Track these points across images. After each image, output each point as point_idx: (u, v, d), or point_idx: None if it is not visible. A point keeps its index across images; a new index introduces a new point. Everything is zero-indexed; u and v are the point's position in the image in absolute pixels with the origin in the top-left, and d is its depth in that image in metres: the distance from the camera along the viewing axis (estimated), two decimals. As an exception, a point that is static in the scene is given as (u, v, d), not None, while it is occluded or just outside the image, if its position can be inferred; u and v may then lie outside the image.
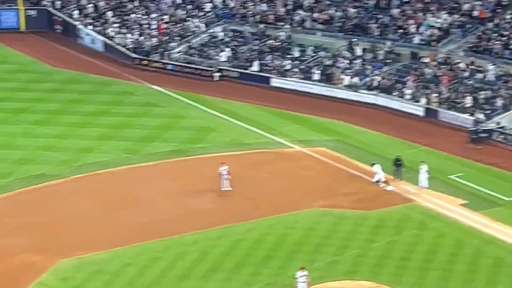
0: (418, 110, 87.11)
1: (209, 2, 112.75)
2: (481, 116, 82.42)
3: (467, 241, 61.38)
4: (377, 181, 70.11)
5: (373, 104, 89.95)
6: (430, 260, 58.62)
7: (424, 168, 70.42)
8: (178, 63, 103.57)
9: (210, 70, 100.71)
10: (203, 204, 68.07)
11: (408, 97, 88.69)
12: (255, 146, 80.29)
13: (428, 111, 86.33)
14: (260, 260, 58.99)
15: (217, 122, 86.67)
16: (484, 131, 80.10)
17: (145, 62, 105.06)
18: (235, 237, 62.43)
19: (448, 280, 55.98)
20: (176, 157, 77.97)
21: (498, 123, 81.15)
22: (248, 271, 57.56)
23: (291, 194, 69.58)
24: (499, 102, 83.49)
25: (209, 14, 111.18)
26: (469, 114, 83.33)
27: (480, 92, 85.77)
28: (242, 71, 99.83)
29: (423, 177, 70.15)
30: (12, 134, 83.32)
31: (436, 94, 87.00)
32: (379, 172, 70.08)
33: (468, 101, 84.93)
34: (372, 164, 70.71)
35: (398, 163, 71.72)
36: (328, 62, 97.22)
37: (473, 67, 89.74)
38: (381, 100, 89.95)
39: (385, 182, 70.01)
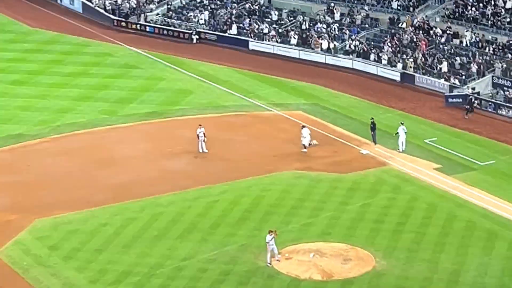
0: (394, 75, 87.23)
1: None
2: (456, 82, 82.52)
3: (440, 205, 61.59)
4: (304, 145, 70.13)
5: (350, 68, 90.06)
6: (403, 223, 58.86)
7: (402, 130, 70.75)
8: (157, 25, 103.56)
9: (189, 33, 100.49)
10: (179, 166, 68.14)
11: (384, 62, 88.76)
12: (232, 108, 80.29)
13: (404, 76, 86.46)
14: (235, 222, 59.16)
15: (195, 84, 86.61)
16: (459, 96, 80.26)
17: (123, 24, 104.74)
18: (211, 198, 62.53)
19: (420, 243, 56.25)
20: (154, 118, 77.95)
21: (473, 89, 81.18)
22: (223, 232, 57.72)
23: (267, 156, 69.64)
24: (474, 68, 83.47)
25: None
26: (444, 79, 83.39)
27: (456, 58, 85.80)
28: (221, 34, 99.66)
29: (402, 139, 70.51)
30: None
31: (413, 60, 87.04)
32: (305, 136, 69.99)
33: (444, 66, 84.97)
34: (302, 127, 70.67)
35: (372, 126, 71.93)
36: (305, 26, 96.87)
37: (449, 32, 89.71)
38: (358, 64, 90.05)
39: (310, 145, 70.21)
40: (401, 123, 71.74)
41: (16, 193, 63.23)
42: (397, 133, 70.85)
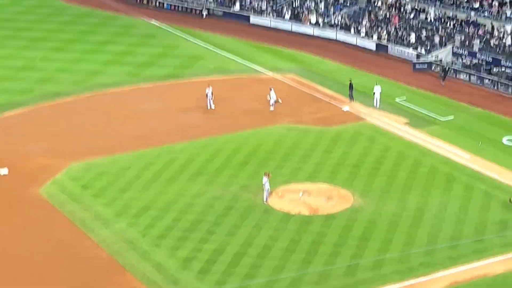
0: (370, 45, 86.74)
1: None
2: (422, 51, 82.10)
3: (408, 153, 61.43)
4: (271, 104, 69.47)
5: (334, 39, 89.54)
6: (377, 168, 58.84)
7: (377, 90, 70.82)
8: (173, 3, 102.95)
9: (199, 9, 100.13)
10: (191, 119, 67.89)
11: (363, 34, 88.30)
12: (235, 72, 79.94)
13: (379, 46, 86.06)
14: (237, 166, 59.08)
15: (204, 51, 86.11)
16: (424, 63, 79.85)
17: (145, 1, 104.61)
18: (217, 146, 62.36)
19: (391, 184, 56.34)
20: (170, 80, 77.58)
21: (436, 57, 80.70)
22: (227, 174, 57.69)
23: (264, 112, 69.31)
24: (436, 40, 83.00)
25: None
26: (412, 49, 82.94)
27: (422, 31, 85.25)
28: (226, 10, 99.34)
29: (377, 97, 70.41)
30: (33, 59, 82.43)
31: (386, 32, 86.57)
32: (272, 97, 69.14)
33: (412, 38, 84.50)
34: (270, 89, 69.79)
35: (350, 86, 71.73)
36: (297, 4, 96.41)
37: (417, 9, 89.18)
38: (340, 36, 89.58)
39: (275, 102, 69.46)
40: (376, 83, 71.98)
41: (54, 141, 63.11)
42: (374, 92, 70.75)
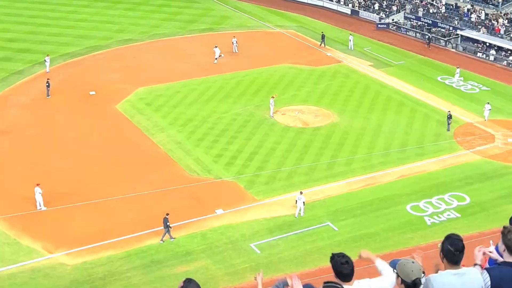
0: (346, 10, 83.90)
1: None
2: (383, 15, 79.57)
3: (372, 86, 59.84)
4: (216, 58, 64.38)
5: (321, 6, 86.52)
6: (350, 95, 57.51)
7: (351, 38, 69.68)
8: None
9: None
10: (221, 60, 65.95)
11: (342, 2, 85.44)
12: (253, 27, 77.62)
13: (352, 11, 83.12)
14: (253, 92, 57.86)
15: (231, 13, 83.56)
16: (384, 24, 77.47)
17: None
18: (239, 78, 60.88)
19: (359, 107, 55.26)
20: (207, 32, 75.45)
21: (393, 19, 78.22)
22: (246, 98, 56.57)
23: (272, 55, 67.38)
24: (394, 8, 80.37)
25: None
26: (376, 14, 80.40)
27: (383, 1, 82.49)
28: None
29: (351, 44, 69.18)
30: (112, 15, 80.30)
31: (357, 1, 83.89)
32: (216, 52, 64.44)
33: (376, 6, 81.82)
34: (215, 47, 64.90)
35: (322, 36, 70.17)
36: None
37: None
38: (326, 3, 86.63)
39: (220, 56, 64.37)
40: (350, 34, 70.71)
41: (127, 72, 61.73)
42: (350, 40, 69.43)
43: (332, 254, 8.44)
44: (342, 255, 8.31)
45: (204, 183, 42.38)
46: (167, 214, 36.56)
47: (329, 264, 8.07)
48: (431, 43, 70.87)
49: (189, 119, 52.01)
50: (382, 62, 65.80)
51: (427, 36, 71.45)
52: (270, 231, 37.61)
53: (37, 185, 39.32)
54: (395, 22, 77.76)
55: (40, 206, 39.18)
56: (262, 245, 36.38)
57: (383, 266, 8.57)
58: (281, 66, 64.26)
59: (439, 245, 8.21)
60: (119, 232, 37.14)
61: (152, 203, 40.13)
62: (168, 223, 36.31)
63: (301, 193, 39.21)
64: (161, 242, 36.26)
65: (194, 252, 35.66)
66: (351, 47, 69.06)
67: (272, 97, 53.01)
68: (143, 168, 44.34)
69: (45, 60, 61.30)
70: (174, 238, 36.57)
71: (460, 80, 60.92)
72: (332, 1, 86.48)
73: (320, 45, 70.09)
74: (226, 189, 41.94)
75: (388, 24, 77.46)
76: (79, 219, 38.36)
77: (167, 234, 36.42)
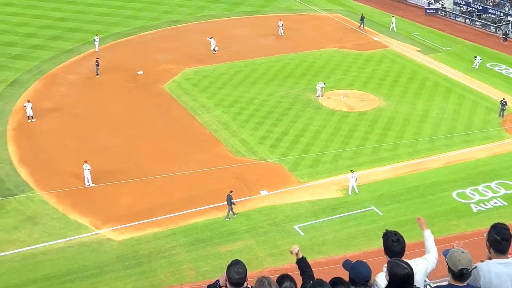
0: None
1: None
2: (432, 1, 78.00)
3: (419, 71, 58.79)
4: (214, 49, 61.56)
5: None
6: (396, 81, 56.61)
7: (394, 20, 69.23)
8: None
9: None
10: (267, 42, 65.75)
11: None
12: (299, 11, 76.96)
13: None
14: (299, 75, 57.42)
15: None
16: (433, 9, 75.96)
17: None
18: (285, 62, 60.44)
19: (406, 92, 54.40)
20: (254, 15, 75.09)
21: (442, 4, 76.64)
22: (291, 81, 56.16)
23: (318, 39, 66.72)
24: (443, -7, 79.00)
25: None
26: (425, -1, 79.22)
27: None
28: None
29: (393, 25, 68.78)
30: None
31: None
32: (212, 42, 61.57)
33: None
34: (211, 37, 62.21)
35: (362, 17, 70.03)
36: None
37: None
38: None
39: (214, 50, 61.40)
40: (393, 16, 70.41)
41: (174, 52, 61.86)
42: (392, 22, 68.91)
43: (386, 230, 8.65)
44: (394, 233, 8.52)
45: (249, 164, 42.33)
46: (231, 192, 36.85)
47: (372, 248, 8.06)
48: (508, 38, 67.02)
49: (235, 100, 51.95)
50: (430, 48, 64.55)
51: (502, 31, 68.63)
52: (314, 214, 37.41)
53: (86, 161, 39.84)
54: (444, 7, 76.16)
55: (88, 182, 39.72)
56: (306, 227, 36.23)
57: (430, 242, 8.78)
58: (327, 50, 63.58)
59: (485, 234, 8.08)
60: (165, 210, 37.42)
61: (197, 182, 40.30)
62: (232, 200, 36.51)
63: (352, 171, 39.29)
64: (227, 219, 36.51)
65: (238, 232, 35.72)
66: (393, 29, 68.60)
67: (324, 82, 52.80)
68: (189, 147, 44.53)
69: (94, 40, 61.89)
70: (237, 214, 36.73)
71: (507, 68, 59.53)
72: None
73: (360, 26, 69.81)
74: (271, 170, 41.83)
75: (437, 9, 75.92)
76: (126, 196, 38.77)
77: (230, 211, 36.63)
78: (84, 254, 33.87)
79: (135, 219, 36.66)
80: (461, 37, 67.82)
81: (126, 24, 69.63)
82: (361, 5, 78.47)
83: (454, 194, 39.57)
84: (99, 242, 34.85)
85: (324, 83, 52.82)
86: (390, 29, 68.47)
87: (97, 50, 61.44)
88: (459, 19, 73.52)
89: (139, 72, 56.86)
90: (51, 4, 75.25)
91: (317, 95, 52.25)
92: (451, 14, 74.75)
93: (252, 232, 35.75)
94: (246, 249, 34.30)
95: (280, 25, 67.54)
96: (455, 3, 76.65)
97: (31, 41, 63.57)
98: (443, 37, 67.94)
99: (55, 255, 33.74)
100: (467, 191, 39.95)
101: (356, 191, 39.08)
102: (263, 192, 39.34)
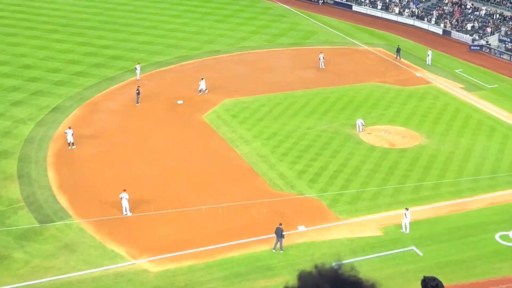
0: (438, 30, 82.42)
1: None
2: (476, 37, 77.66)
3: (462, 109, 58.37)
4: (200, 90, 59.23)
5: (412, 25, 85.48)
6: (439, 118, 56.24)
7: (430, 53, 69.83)
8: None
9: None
10: (308, 75, 66.16)
11: (433, 22, 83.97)
12: (340, 44, 77.43)
13: (444, 31, 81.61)
14: (339, 109, 57.48)
15: (319, 28, 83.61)
16: (478, 45, 75.57)
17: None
18: (325, 95, 60.61)
19: (449, 130, 53.94)
20: (294, 47, 75.74)
21: (487, 41, 76.27)
22: (331, 115, 56.17)
23: (359, 73, 66.98)
24: (488, 29, 78.35)
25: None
26: (469, 35, 78.57)
27: (475, 23, 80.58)
28: (336, 0, 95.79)
29: (429, 59, 69.52)
30: (202, 26, 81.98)
31: (449, 22, 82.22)
32: (201, 84, 59.26)
33: (469, 27, 79.97)
34: (201, 79, 59.55)
35: (398, 49, 71.18)
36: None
37: (475, 7, 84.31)
38: (417, 23, 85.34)
39: (201, 91, 59.01)
40: (429, 49, 71.36)
41: (215, 83, 62.41)
42: (428, 54, 69.77)
43: (424, 277, 8.74)
44: (433, 279, 8.57)
45: (287, 199, 42.34)
46: (280, 224, 37.02)
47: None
48: None
49: (274, 133, 52.17)
50: (474, 85, 64.14)
51: None
52: (353, 252, 37.13)
53: (124, 190, 40.33)
54: (489, 44, 75.74)
55: (126, 211, 40.16)
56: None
57: None
58: (369, 84, 63.63)
59: None
60: (201, 242, 37.55)
61: (234, 215, 40.42)
62: (283, 233, 36.56)
63: (407, 209, 39.26)
64: (274, 251, 36.63)
65: (275, 267, 35.61)
66: (429, 62, 69.09)
67: (363, 119, 52.90)
68: (227, 179, 44.76)
69: (136, 68, 63.05)
70: (283, 251, 36.68)
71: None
72: (424, 20, 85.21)
73: (396, 58, 70.49)
74: (309, 206, 41.75)
75: (481, 46, 75.57)
76: (163, 227, 39.05)
77: (278, 243, 36.60)
78: (120, 284, 34.12)
79: (171, 250, 36.87)
80: (506, 75, 67.30)
81: (168, 53, 70.82)
82: (403, 39, 78.57)
83: (497, 236, 38.91)
84: (135, 272, 35.08)
85: (364, 121, 52.69)
86: (427, 63, 68.89)
87: (138, 78, 62.53)
88: (504, 57, 73.01)
89: (179, 102, 57.60)
90: (95, 32, 77.11)
91: (357, 130, 52.19)
92: (496, 51, 74.29)
93: (289, 268, 35.57)
94: (283, 285, 34.03)
95: (321, 57, 67.93)
96: (500, 40, 76.24)
97: (74, 68, 65.08)
98: (487, 74, 67.50)
99: (91, 284, 34.06)
100: (511, 233, 39.26)
101: (407, 231, 38.88)
102: (301, 228, 39.23)
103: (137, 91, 57.43)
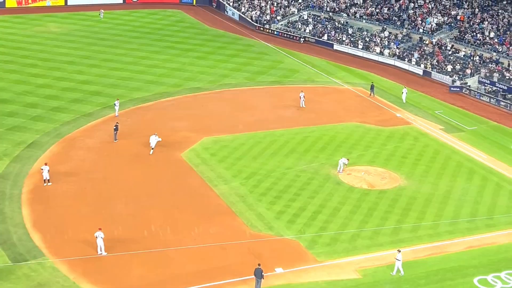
0: (418, 71, 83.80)
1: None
2: (456, 78, 79.06)
3: (442, 151, 59.20)
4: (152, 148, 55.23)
5: (392, 65, 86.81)
6: (419, 159, 56.98)
7: (404, 91, 72.15)
8: (281, 31, 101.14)
9: (298, 37, 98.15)
10: (288, 113, 66.91)
11: (413, 62, 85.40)
12: (321, 83, 78.44)
13: (425, 72, 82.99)
14: (319, 149, 57.96)
15: (300, 66, 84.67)
16: (458, 87, 76.93)
17: (261, 28, 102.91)
18: (305, 134, 61.20)
19: (428, 172, 54.69)
20: (275, 85, 76.57)
21: (466, 83, 77.69)
22: (311, 155, 56.66)
23: (340, 112, 67.89)
24: (468, 71, 79.86)
25: (301, 4, 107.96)
26: (449, 76, 79.93)
27: (456, 64, 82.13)
28: (317, 39, 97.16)
29: (404, 95, 71.62)
30: (183, 63, 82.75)
31: (430, 63, 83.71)
32: (152, 141, 55.12)
33: (449, 68, 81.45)
34: (154, 134, 55.66)
35: (372, 86, 73.52)
36: (368, 38, 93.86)
37: (454, 48, 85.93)
38: (397, 63, 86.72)
39: (152, 148, 54.93)
40: (404, 87, 73.66)
41: (194, 120, 63.04)
42: (403, 92, 71.88)
43: None
44: None
45: (265, 240, 42.45)
46: (259, 264, 37.14)
47: None
48: (509, 110, 69.28)
49: (253, 172, 52.46)
50: (454, 127, 65.17)
51: (502, 103, 70.00)
52: (330, 295, 37.23)
53: (99, 229, 40.22)
54: (469, 86, 77.11)
55: (101, 251, 39.98)
56: (321, 309, 35.98)
57: None
58: (349, 124, 64.39)
59: None
60: (177, 283, 37.44)
61: (211, 256, 40.41)
62: (262, 273, 36.64)
63: (398, 251, 39.56)
64: None
65: (252, 310, 35.54)
66: (404, 100, 71.07)
67: (347, 159, 53.47)
68: (205, 219, 44.81)
69: (114, 104, 63.30)
70: None
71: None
72: (404, 60, 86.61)
73: (370, 95, 72.31)
74: (287, 247, 41.88)
75: (461, 87, 76.93)
76: (138, 267, 38.90)
77: (258, 284, 36.57)
78: (92, 326, 33.80)
79: (146, 291, 36.67)
80: (485, 117, 68.55)
81: (147, 90, 71.26)
82: (384, 79, 79.85)
83: (475, 281, 39.25)
84: (108, 314, 34.80)
85: (348, 160, 53.30)
86: (403, 101, 70.86)
87: (117, 114, 62.75)
88: (483, 98, 74.38)
89: (158, 139, 57.70)
90: (75, 66, 77.47)
91: (338, 170, 52.68)
92: (476, 93, 75.62)
93: (265, 311, 35.56)
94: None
95: (302, 96, 68.71)
96: (479, 82, 77.70)
97: (52, 103, 65.20)
98: (467, 116, 68.67)
99: (63, 326, 33.70)
100: (489, 277, 39.63)
101: (401, 273, 39.21)
102: (279, 270, 39.29)
103: (115, 128, 57.58)
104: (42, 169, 49.08)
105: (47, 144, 56.03)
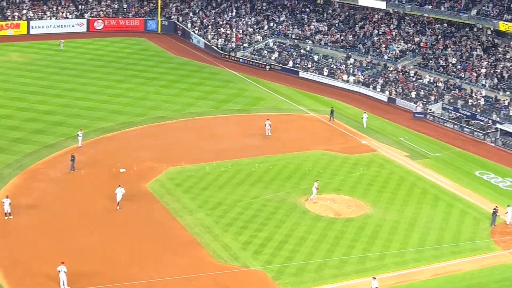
0: (383, 97, 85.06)
1: (266, 25, 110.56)
2: (420, 105, 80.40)
3: (407, 178, 60.04)
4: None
5: (358, 92, 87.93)
6: (384, 187, 57.66)
7: (365, 116, 73.94)
8: (246, 58, 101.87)
9: (264, 64, 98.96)
10: (254, 142, 67.27)
11: (378, 89, 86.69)
12: (287, 110, 79.07)
13: (389, 99, 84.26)
14: (285, 177, 58.33)
15: (266, 94, 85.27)
16: (422, 113, 78.26)
17: (227, 56, 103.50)
18: (271, 163, 61.57)
19: (394, 199, 55.34)
20: (241, 113, 76.99)
21: (430, 109, 79.09)
22: (277, 183, 56.98)
23: (305, 140, 68.48)
24: (432, 97, 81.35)
25: (266, 31, 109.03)
26: (413, 103, 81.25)
27: (420, 90, 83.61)
28: (283, 66, 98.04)
29: (364, 120, 73.33)
30: (147, 92, 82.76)
31: (395, 89, 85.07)
32: (118, 195, 50.80)
33: (413, 94, 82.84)
34: (119, 186, 51.48)
35: (331, 111, 75.34)
36: (333, 65, 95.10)
37: (418, 75, 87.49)
38: (363, 90, 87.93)
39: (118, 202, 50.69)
40: (364, 112, 75.45)
41: (158, 151, 62.95)
42: (363, 117, 73.53)
43: None
44: None
45: (231, 272, 42.43)
46: None
47: None
48: (473, 136, 70.70)
49: (219, 202, 52.53)
50: (419, 153, 66.21)
51: (466, 129, 71.25)
52: (297, 326, 37.29)
53: (62, 263, 39.82)
54: (433, 112, 78.51)
55: (64, 285, 39.52)
56: None
57: None
58: (315, 152, 64.98)
59: None
60: (142, 318, 37.18)
61: (177, 289, 40.24)
62: None
63: (374, 278, 39.97)
64: None
65: None
66: (364, 125, 72.53)
67: (316, 180, 53.97)
68: (170, 251, 44.66)
69: (78, 134, 62.98)
70: None
71: (495, 176, 61.04)
72: (369, 87, 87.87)
73: (330, 119, 73.85)
74: (254, 278, 41.92)
75: (425, 114, 78.27)
76: (102, 302, 38.55)
77: None
78: None
79: (110, 327, 36.34)
80: (449, 143, 69.77)
81: (111, 119, 71.07)
82: (349, 107, 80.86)
83: (442, 309, 39.72)
84: None
85: (317, 181, 53.84)
86: (364, 127, 72.38)
87: (80, 145, 62.44)
88: (447, 125, 75.74)
89: (121, 170, 57.59)
90: (37, 96, 76.96)
91: (313, 197, 53.04)
92: (439, 119, 76.99)
93: None
94: None
95: (267, 124, 69.14)
96: (443, 109, 79.16)
97: (13, 134, 64.62)
98: (431, 142, 69.84)
99: None
100: (455, 305, 40.15)
101: None
102: (245, 301, 39.28)
103: (72, 158, 57.17)
104: (3, 202, 48.48)
105: (8, 176, 55.43)
